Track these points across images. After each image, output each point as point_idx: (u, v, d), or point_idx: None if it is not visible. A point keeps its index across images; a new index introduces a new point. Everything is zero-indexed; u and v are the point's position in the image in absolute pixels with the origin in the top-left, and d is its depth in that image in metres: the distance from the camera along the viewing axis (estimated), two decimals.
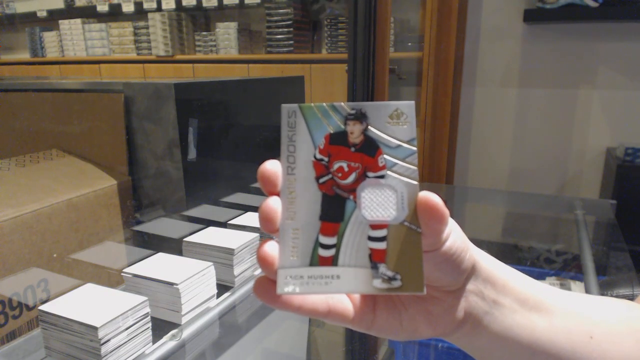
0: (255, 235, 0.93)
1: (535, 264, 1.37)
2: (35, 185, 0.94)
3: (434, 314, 0.34)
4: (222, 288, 0.87)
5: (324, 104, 0.30)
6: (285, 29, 3.00)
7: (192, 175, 1.01)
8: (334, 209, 0.29)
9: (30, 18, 4.07)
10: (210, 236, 0.91)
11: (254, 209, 1.11)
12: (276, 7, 3.01)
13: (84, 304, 0.67)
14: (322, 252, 0.29)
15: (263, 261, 0.29)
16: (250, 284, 0.90)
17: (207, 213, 1.05)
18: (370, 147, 0.30)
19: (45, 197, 0.89)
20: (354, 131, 0.30)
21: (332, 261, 0.29)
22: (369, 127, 0.30)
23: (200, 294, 0.80)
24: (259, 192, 1.22)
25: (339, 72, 2.63)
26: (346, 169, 0.30)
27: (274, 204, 0.29)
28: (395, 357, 0.97)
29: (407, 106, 0.30)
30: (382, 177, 0.30)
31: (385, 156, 0.30)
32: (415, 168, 0.30)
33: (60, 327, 0.65)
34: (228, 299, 0.86)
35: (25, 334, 0.79)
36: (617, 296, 0.96)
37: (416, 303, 0.34)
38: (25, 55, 4.24)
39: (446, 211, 0.30)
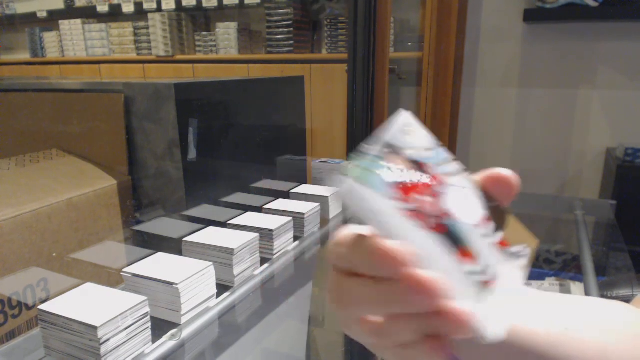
0: (255, 235, 0.93)
1: (534, 264, 1.37)
2: (35, 185, 0.94)
3: None
4: (222, 288, 0.87)
5: (358, 163, 0.28)
6: (285, 29, 3.00)
7: (192, 175, 1.01)
8: (453, 238, 0.28)
9: (30, 18, 4.07)
10: (210, 236, 0.91)
11: (254, 209, 1.11)
12: (276, 7, 3.01)
13: (84, 303, 0.67)
14: (481, 277, 0.28)
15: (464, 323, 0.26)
16: (250, 284, 0.90)
17: (207, 213, 1.05)
18: (422, 169, 0.29)
19: (45, 196, 0.89)
20: (402, 165, 0.28)
21: (494, 279, 0.29)
22: (406, 152, 0.29)
23: (199, 293, 0.79)
24: (258, 192, 1.22)
25: (339, 72, 2.63)
26: (429, 199, 0.28)
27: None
28: None
29: (408, 118, 0.29)
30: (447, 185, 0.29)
31: (432, 167, 0.29)
32: (455, 162, 0.30)
33: (60, 327, 0.65)
34: (228, 298, 0.86)
35: (25, 333, 0.79)
36: (616, 297, 0.96)
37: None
38: (26, 56, 4.24)
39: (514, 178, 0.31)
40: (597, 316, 0.40)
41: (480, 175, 0.32)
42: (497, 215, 0.30)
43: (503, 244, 0.30)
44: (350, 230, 0.29)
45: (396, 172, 0.28)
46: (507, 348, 0.35)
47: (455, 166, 0.30)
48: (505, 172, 0.31)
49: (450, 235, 0.28)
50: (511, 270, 0.29)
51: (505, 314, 0.28)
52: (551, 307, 0.38)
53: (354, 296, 0.28)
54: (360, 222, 0.27)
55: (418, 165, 0.29)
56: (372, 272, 0.27)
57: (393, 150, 0.28)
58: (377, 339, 0.29)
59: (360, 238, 0.27)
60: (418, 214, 0.27)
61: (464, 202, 0.29)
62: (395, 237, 0.26)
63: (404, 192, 0.27)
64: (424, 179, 0.28)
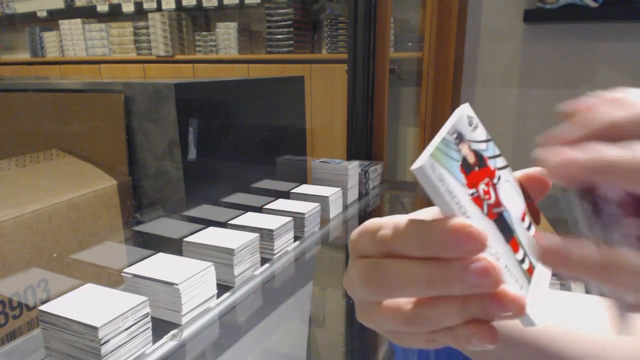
0: (256, 235, 0.93)
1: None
2: (35, 186, 0.94)
3: None
4: (222, 288, 0.87)
5: (436, 145, 0.28)
6: (285, 29, 3.00)
7: (192, 175, 1.01)
8: (504, 227, 0.29)
9: (30, 18, 4.07)
10: (210, 236, 0.91)
11: (254, 209, 1.11)
12: (276, 7, 3.01)
13: (84, 304, 0.67)
14: (525, 266, 0.29)
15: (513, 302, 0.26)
16: (251, 284, 0.90)
17: (207, 213, 1.05)
18: (481, 159, 0.30)
19: (45, 197, 0.89)
20: (468, 153, 0.29)
21: (532, 269, 0.30)
22: (470, 142, 0.30)
23: (200, 294, 0.80)
24: (258, 192, 1.22)
25: (339, 72, 2.63)
26: (487, 188, 0.29)
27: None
28: (395, 357, 0.97)
29: (469, 110, 0.32)
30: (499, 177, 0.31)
31: (487, 159, 0.31)
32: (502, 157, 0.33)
33: (61, 327, 0.65)
34: (228, 299, 0.86)
35: (26, 334, 0.79)
36: None
37: None
38: (25, 55, 4.24)
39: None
40: (596, 312, 0.40)
41: (519, 172, 0.34)
42: (531, 211, 0.33)
43: (537, 238, 0.31)
44: (385, 219, 0.29)
45: (466, 159, 0.29)
46: (505, 340, 0.36)
47: (503, 160, 0.33)
48: (539, 171, 0.33)
49: (501, 223, 0.29)
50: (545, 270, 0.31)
51: (542, 302, 0.29)
52: (551, 302, 0.39)
53: (396, 277, 0.27)
54: (431, 202, 0.27)
55: (479, 156, 0.30)
56: (426, 252, 0.26)
57: (461, 139, 0.30)
58: (407, 326, 0.28)
59: (415, 221, 0.27)
60: (478, 200, 0.28)
61: (511, 195, 0.31)
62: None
63: (471, 178, 0.28)
64: (484, 169, 0.30)
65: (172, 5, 3.36)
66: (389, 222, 0.28)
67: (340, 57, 2.65)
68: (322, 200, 1.20)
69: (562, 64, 2.37)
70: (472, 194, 0.28)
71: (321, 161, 1.39)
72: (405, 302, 0.28)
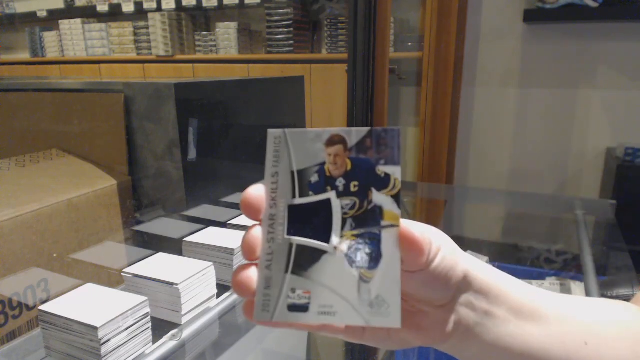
0: None
1: (535, 264, 1.37)
2: (35, 185, 0.94)
3: (423, 327, 0.35)
4: (222, 288, 0.87)
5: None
6: (285, 29, 3.00)
7: (192, 175, 1.01)
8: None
9: (30, 18, 4.07)
10: (210, 236, 0.91)
11: None
12: (276, 7, 3.00)
13: (84, 304, 0.67)
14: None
15: (239, 286, 0.30)
16: None
17: (207, 213, 1.05)
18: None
19: (45, 197, 0.89)
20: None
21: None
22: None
23: (200, 294, 0.80)
24: None
25: (339, 72, 2.63)
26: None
27: (256, 233, 0.30)
28: (395, 357, 0.97)
29: (391, 134, 0.30)
30: None
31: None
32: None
33: (60, 327, 0.65)
34: (228, 299, 0.85)
35: (25, 334, 0.79)
36: (617, 296, 0.96)
37: (404, 318, 0.34)
38: (25, 55, 4.24)
39: (426, 242, 0.30)
40: (598, 316, 0.39)
41: (400, 228, 0.30)
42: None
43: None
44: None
45: (325, 155, 0.30)
46: (506, 352, 0.36)
47: (384, 199, 0.30)
48: (417, 233, 0.30)
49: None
50: (337, 304, 0.30)
51: (290, 317, 0.29)
52: (569, 317, 0.38)
53: None
54: None
55: (347, 170, 0.31)
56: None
57: (340, 143, 0.30)
58: None
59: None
60: (309, 186, 0.30)
61: (336, 212, 0.30)
62: (271, 194, 0.30)
63: (321, 167, 0.30)
64: (341, 180, 0.30)
65: (172, 5, 3.36)
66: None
67: (340, 57, 2.65)
68: None
69: (562, 64, 2.37)
70: (304, 184, 0.30)
71: None
72: None
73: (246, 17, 3.34)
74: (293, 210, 0.30)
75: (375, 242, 0.29)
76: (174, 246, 0.93)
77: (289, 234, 0.30)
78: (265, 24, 3.06)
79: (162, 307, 0.77)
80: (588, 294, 0.94)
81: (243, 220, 1.02)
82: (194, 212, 1.03)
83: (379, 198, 0.30)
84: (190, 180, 1.00)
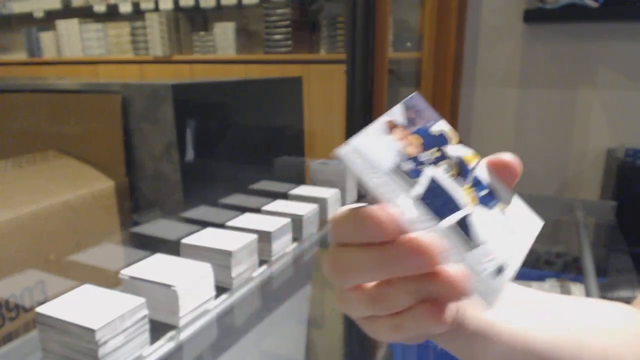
0: (254, 236, 0.92)
1: (535, 265, 1.37)
2: (32, 187, 0.93)
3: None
4: (220, 290, 0.86)
5: (365, 132, 0.30)
6: (284, 29, 3.00)
7: (189, 176, 1.00)
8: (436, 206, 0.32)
9: (26, 18, 4.06)
10: (208, 238, 0.91)
11: (252, 210, 1.11)
12: (274, 7, 3.00)
13: (82, 305, 0.67)
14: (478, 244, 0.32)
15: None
16: (249, 286, 0.90)
17: (205, 214, 1.05)
18: (425, 145, 0.32)
19: (42, 198, 0.88)
20: (405, 139, 0.31)
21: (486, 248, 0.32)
22: (410, 128, 0.32)
23: (198, 295, 0.79)
24: (256, 193, 1.21)
25: (337, 73, 2.62)
26: (428, 170, 0.32)
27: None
28: (394, 358, 0.97)
29: (416, 98, 0.33)
30: None
31: (433, 147, 0.33)
32: (460, 145, 0.34)
33: (58, 329, 0.64)
34: (226, 300, 0.85)
35: (22, 336, 0.78)
36: (617, 298, 0.96)
37: None
38: (22, 56, 4.23)
39: (515, 160, 0.34)
40: (599, 318, 0.39)
41: (486, 160, 0.34)
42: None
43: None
44: (347, 207, 0.30)
45: (402, 145, 0.30)
46: (510, 350, 0.35)
47: (457, 149, 0.33)
48: (508, 157, 0.34)
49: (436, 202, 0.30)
50: (511, 246, 0.32)
51: (500, 284, 0.30)
52: (554, 309, 0.38)
53: (348, 263, 0.29)
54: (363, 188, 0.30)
55: (421, 141, 0.31)
56: (364, 239, 0.28)
57: (396, 126, 0.31)
58: (372, 306, 0.30)
59: (355, 209, 0.29)
60: (412, 180, 0.30)
61: (448, 182, 0.31)
62: (392, 199, 0.28)
63: (403, 157, 0.30)
64: (425, 153, 0.31)
65: (170, 6, 3.35)
66: (340, 213, 0.30)
67: (339, 58, 2.64)
68: (321, 202, 1.20)
69: (562, 64, 2.37)
70: (406, 174, 0.29)
71: (320, 162, 1.38)
72: (369, 285, 0.30)
73: (244, 17, 3.34)
74: (418, 203, 0.29)
75: (482, 182, 0.33)
76: (172, 247, 0.92)
77: (435, 222, 0.29)
78: (263, 24, 3.06)
79: (159, 308, 0.76)
80: (588, 295, 0.94)
81: (241, 221, 1.02)
82: (191, 213, 1.02)
83: (453, 151, 0.32)
84: (188, 181, 1.00)
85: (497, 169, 0.34)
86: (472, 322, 0.35)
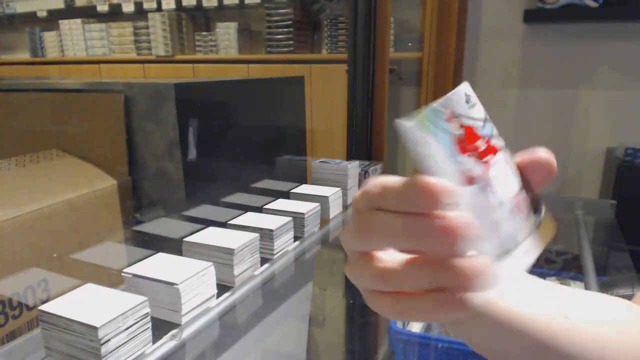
0: (255, 235, 0.93)
1: (534, 263, 1.37)
2: (35, 185, 0.94)
3: None
4: (222, 288, 0.87)
5: (425, 112, 0.31)
6: (286, 29, 3.00)
7: (192, 175, 1.00)
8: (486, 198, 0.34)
9: (30, 18, 4.07)
10: (210, 236, 0.91)
11: (254, 209, 1.11)
12: (276, 7, 3.01)
13: (84, 304, 0.67)
14: (504, 239, 0.33)
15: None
16: (251, 284, 0.90)
17: (207, 213, 1.05)
18: (474, 136, 0.33)
19: (45, 197, 0.89)
20: (459, 127, 0.32)
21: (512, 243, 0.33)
22: (464, 117, 0.32)
23: (200, 294, 0.79)
24: (258, 192, 1.22)
25: (339, 72, 2.63)
26: (475, 162, 0.33)
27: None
28: (395, 357, 0.97)
29: (468, 88, 0.33)
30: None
31: (484, 138, 0.33)
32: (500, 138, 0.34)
33: (60, 327, 0.65)
34: (228, 299, 0.85)
35: (25, 334, 0.79)
36: (617, 296, 0.96)
37: None
38: (25, 55, 4.24)
39: (551, 157, 0.34)
40: (599, 309, 0.40)
41: (520, 155, 0.35)
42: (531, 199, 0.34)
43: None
44: (381, 178, 0.31)
45: (457, 132, 0.31)
46: (507, 331, 0.35)
47: (502, 142, 0.33)
48: (544, 154, 0.34)
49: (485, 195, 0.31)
50: (530, 245, 0.33)
51: (515, 279, 0.32)
52: (555, 297, 0.38)
53: (378, 224, 0.30)
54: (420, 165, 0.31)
55: (472, 132, 0.32)
56: (405, 206, 0.28)
57: (454, 114, 0.31)
58: (382, 279, 0.30)
59: (401, 178, 0.29)
60: (466, 170, 0.31)
61: (504, 174, 0.32)
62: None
63: (461, 147, 0.31)
64: (476, 144, 0.32)
65: (172, 5, 3.36)
66: (380, 181, 0.30)
67: (340, 57, 2.65)
68: (322, 200, 1.20)
69: (562, 64, 2.37)
70: (458, 164, 0.30)
71: (321, 161, 1.39)
72: (384, 258, 0.31)
73: (246, 17, 3.34)
74: (471, 189, 0.31)
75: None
76: (174, 246, 0.93)
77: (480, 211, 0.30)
78: (265, 24, 3.06)
79: (162, 307, 0.77)
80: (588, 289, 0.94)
81: (243, 220, 1.02)
82: (194, 212, 1.03)
83: (500, 142, 0.33)
84: (190, 180, 1.00)
85: (532, 167, 0.34)
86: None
